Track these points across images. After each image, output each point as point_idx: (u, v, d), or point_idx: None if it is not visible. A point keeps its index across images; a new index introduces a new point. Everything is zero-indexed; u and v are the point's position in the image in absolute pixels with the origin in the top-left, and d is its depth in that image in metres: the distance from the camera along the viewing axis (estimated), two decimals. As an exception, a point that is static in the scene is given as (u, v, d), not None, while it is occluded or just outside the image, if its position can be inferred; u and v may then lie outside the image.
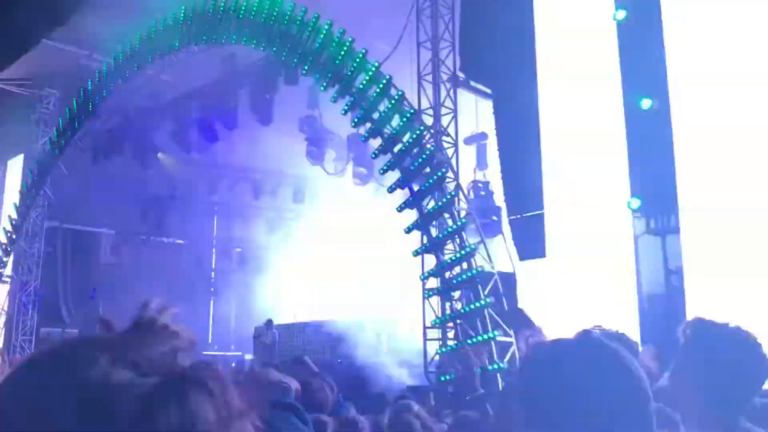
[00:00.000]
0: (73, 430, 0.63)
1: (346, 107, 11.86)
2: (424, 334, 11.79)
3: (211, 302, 21.07)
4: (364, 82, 11.48)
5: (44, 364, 0.70)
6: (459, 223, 10.95)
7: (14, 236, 18.57)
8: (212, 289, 20.73)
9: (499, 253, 12.41)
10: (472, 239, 11.10)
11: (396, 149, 11.36)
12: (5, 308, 19.01)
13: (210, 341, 19.81)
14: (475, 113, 13.75)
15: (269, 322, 15.31)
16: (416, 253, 11.57)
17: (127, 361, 0.68)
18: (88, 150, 18.13)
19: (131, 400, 0.64)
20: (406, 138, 11.31)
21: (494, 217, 14.20)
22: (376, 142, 11.69)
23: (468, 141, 14.18)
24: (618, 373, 1.27)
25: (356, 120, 11.79)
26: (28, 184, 18.60)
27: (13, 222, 18.52)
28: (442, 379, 10.69)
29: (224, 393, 0.69)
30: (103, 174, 18.16)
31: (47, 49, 17.14)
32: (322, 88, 12.33)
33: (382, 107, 11.41)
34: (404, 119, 11.33)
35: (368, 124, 11.58)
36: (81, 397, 0.64)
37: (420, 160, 11.23)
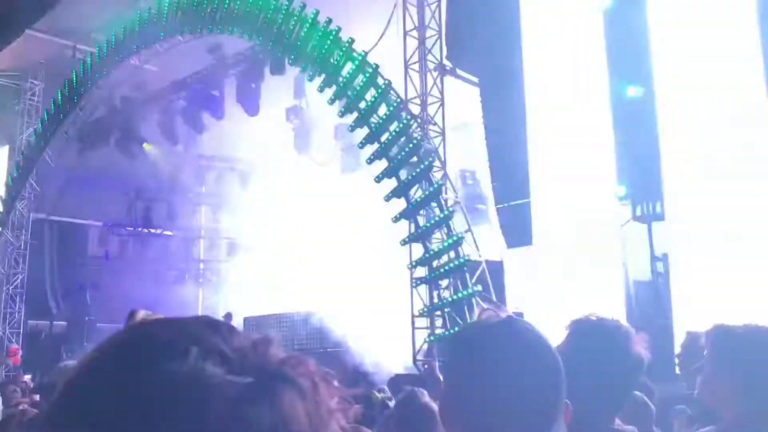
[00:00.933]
0: (155, 427, 0.59)
1: (332, 97, 11.85)
2: (412, 322, 11.83)
3: (200, 292, 21.04)
4: (351, 71, 11.47)
5: (132, 349, 0.65)
6: (446, 212, 10.98)
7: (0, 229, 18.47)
8: (200, 280, 20.68)
9: (486, 242, 12.46)
10: (459, 228, 11.14)
11: (383, 138, 11.36)
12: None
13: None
14: (461, 102, 13.74)
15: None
16: (404, 242, 11.60)
17: (216, 353, 0.63)
18: (74, 141, 18.02)
19: (223, 400, 0.60)
20: (392, 127, 11.31)
21: (481, 206, 14.27)
22: (363, 132, 11.69)
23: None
24: (526, 360, 1.28)
25: (343, 109, 11.78)
26: (14, 176, 18.48)
27: (-1, 214, 18.43)
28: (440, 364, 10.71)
29: (316, 392, 0.66)
30: (90, 165, 18.06)
31: (32, 40, 16.99)
32: (308, 79, 12.31)
33: (368, 96, 11.40)
34: (391, 108, 11.33)
35: (355, 114, 11.57)
36: (169, 393, 0.60)
37: (407, 149, 11.24)
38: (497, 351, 1.28)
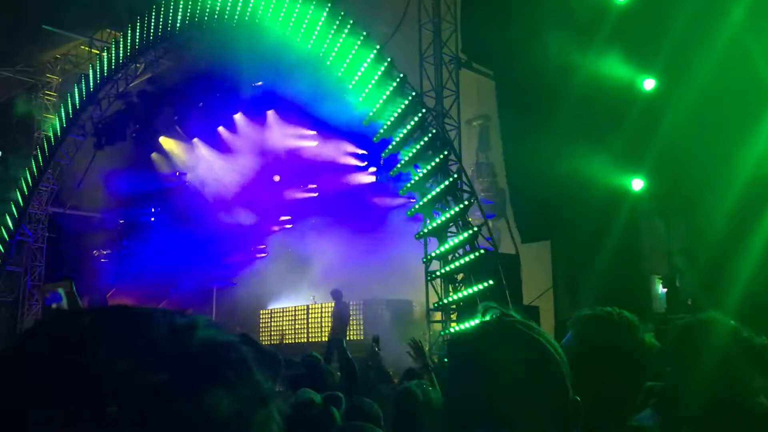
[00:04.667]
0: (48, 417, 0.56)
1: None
2: (428, 316, 11.82)
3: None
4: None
5: (42, 335, 0.63)
6: (462, 206, 10.93)
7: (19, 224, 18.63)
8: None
9: (502, 236, 12.40)
10: (475, 222, 11.09)
11: (399, 133, 11.35)
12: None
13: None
14: (477, 95, 13.68)
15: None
16: (419, 236, 11.57)
17: (128, 346, 0.61)
18: (91, 135, 18.14)
19: (132, 396, 0.58)
20: (408, 121, 11.28)
21: (497, 200, 14.19)
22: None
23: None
24: (534, 359, 1.22)
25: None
26: (31, 171, 18.63)
27: (18, 209, 18.57)
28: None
29: (245, 381, 0.63)
30: (107, 159, 18.19)
31: (48, 36, 17.10)
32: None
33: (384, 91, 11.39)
34: (406, 102, 11.30)
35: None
36: (67, 385, 0.58)
37: (422, 142, 11.20)
38: (494, 354, 1.22)
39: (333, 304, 13.80)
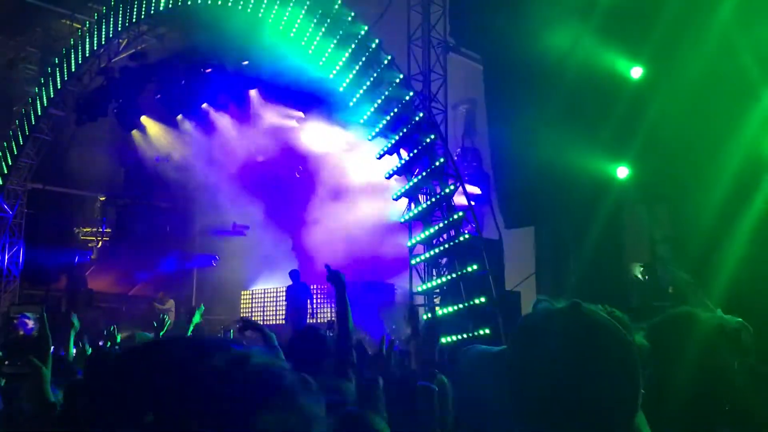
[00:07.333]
0: None
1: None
2: (411, 300, 11.84)
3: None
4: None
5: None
6: (447, 190, 10.92)
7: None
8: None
9: (486, 221, 12.43)
10: (459, 204, 11.09)
11: (386, 116, 11.29)
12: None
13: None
14: (464, 79, 13.64)
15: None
16: (404, 220, 11.57)
17: None
18: (72, 111, 17.87)
19: None
20: (395, 104, 11.23)
21: (482, 185, 14.21)
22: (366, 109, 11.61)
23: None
24: (610, 347, 1.23)
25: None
26: (10, 146, 18.33)
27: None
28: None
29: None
30: (87, 135, 17.95)
31: (28, 8, 16.79)
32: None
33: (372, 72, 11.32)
34: (393, 84, 11.24)
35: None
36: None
37: (409, 126, 11.16)
38: (566, 338, 1.23)
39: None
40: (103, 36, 16.58)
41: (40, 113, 17.79)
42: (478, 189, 14.05)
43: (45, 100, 17.64)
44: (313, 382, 0.77)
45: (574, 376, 1.19)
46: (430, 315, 11.00)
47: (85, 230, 20.50)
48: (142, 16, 15.70)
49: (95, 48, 16.85)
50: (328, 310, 14.61)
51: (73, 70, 17.19)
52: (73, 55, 17.05)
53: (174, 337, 0.80)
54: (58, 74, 17.36)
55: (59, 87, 17.43)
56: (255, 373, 0.73)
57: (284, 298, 15.38)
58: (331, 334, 4.94)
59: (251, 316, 17.18)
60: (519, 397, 1.27)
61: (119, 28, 16.28)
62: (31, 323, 5.99)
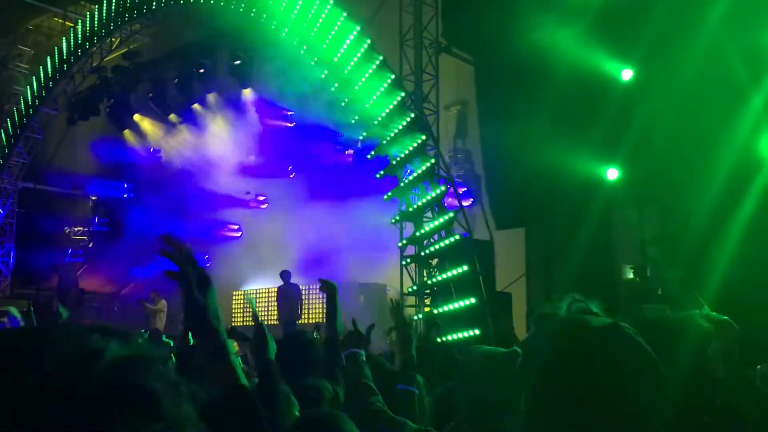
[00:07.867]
0: None
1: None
2: (402, 300, 11.81)
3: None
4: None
5: None
6: (438, 191, 10.93)
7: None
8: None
9: (477, 222, 12.43)
10: (450, 205, 11.10)
11: (377, 117, 11.29)
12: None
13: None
14: (456, 80, 13.64)
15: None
16: (395, 221, 11.57)
17: None
18: (64, 110, 17.82)
19: None
20: (386, 105, 11.22)
21: (473, 186, 14.21)
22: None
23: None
24: (644, 365, 1.28)
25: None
26: (1, 144, 18.27)
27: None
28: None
29: None
30: (79, 135, 17.90)
31: (20, 6, 16.73)
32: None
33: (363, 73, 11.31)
34: (385, 85, 11.23)
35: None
36: None
37: (401, 126, 11.16)
38: (606, 354, 1.28)
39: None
40: (95, 34, 16.53)
41: (31, 112, 17.73)
42: (469, 190, 14.05)
43: (37, 99, 17.58)
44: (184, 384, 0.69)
45: (609, 389, 1.24)
46: (423, 315, 11.01)
47: (76, 229, 20.43)
48: (135, 15, 15.67)
49: (87, 47, 16.80)
50: (320, 310, 14.58)
51: (65, 68, 17.13)
52: (65, 54, 17.00)
53: (23, 328, 0.74)
54: (50, 73, 17.30)
55: (51, 86, 17.38)
56: (107, 370, 0.66)
57: (276, 298, 15.34)
58: (317, 336, 4.96)
59: (244, 316, 17.15)
60: (544, 400, 1.29)
61: (111, 27, 16.24)
62: (16, 319, 5.94)
